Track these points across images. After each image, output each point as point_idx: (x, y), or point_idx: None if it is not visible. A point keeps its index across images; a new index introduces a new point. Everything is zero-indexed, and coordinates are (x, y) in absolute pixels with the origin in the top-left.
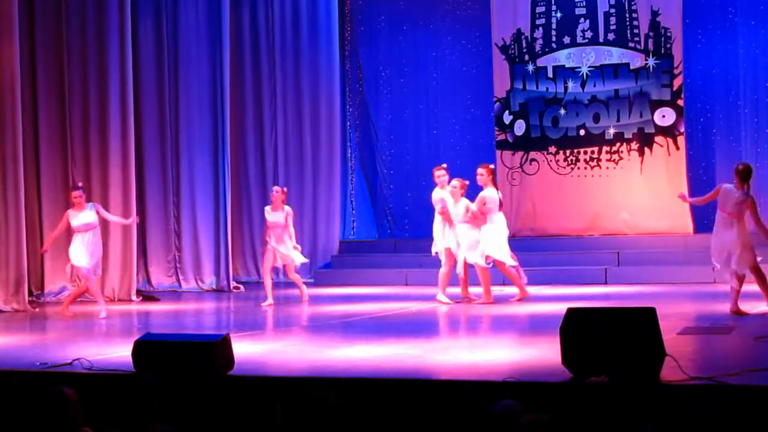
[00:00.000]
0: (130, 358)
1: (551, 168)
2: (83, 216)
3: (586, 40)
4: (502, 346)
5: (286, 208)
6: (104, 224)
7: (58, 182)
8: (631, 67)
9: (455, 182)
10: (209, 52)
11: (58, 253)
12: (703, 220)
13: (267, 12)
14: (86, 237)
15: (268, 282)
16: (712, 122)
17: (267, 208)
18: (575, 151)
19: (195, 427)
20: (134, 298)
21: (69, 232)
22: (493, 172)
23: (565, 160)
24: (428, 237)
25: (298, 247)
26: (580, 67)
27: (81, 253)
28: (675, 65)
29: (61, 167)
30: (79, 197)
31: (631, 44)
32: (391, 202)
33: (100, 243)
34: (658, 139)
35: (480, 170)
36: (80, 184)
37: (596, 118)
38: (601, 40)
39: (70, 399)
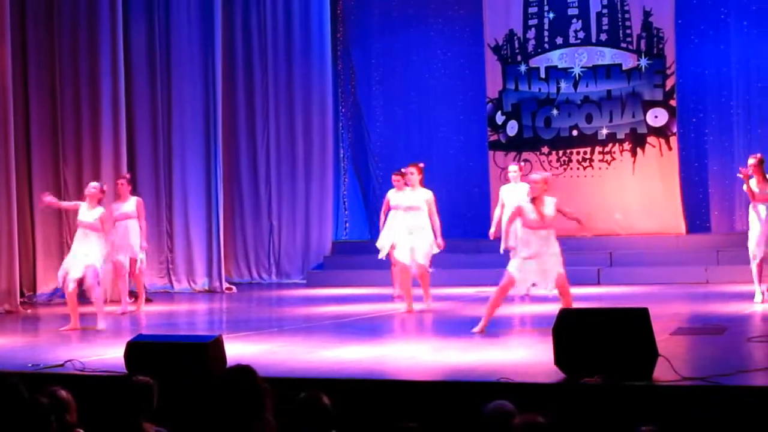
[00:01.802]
0: (122, 360)
1: (544, 168)
2: (125, 206)
3: (579, 41)
4: (494, 346)
5: (135, 198)
6: None
7: (50, 184)
8: (624, 68)
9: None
10: (201, 53)
11: (49, 253)
12: (696, 220)
13: (259, 14)
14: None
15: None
16: (705, 123)
17: (114, 202)
18: (568, 151)
19: (188, 428)
20: (126, 299)
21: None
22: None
23: (558, 160)
24: None
25: (144, 244)
26: (572, 68)
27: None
28: (667, 65)
29: (53, 169)
30: (122, 186)
31: (624, 45)
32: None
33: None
34: (651, 139)
35: (412, 169)
36: (126, 175)
37: (589, 119)
38: (593, 40)
39: (65, 400)
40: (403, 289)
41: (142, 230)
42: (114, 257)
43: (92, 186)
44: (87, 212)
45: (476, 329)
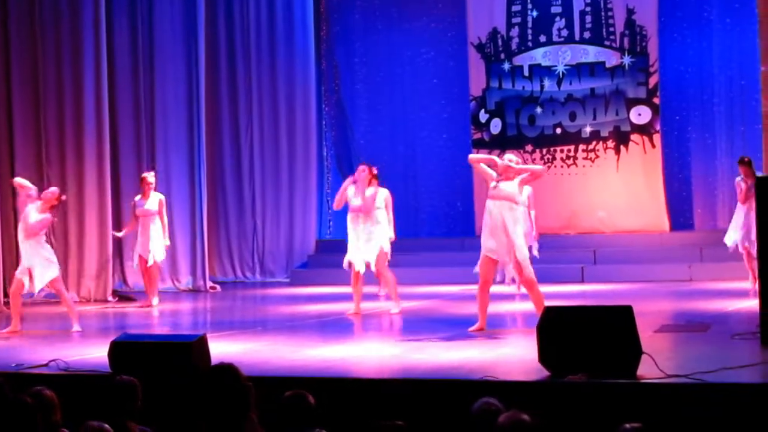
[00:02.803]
0: (106, 359)
1: None
2: (148, 203)
3: (562, 39)
4: (479, 344)
5: (159, 195)
6: (80, 223)
7: (33, 183)
8: (607, 66)
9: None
10: (184, 51)
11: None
12: (679, 217)
13: (242, 12)
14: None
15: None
16: (688, 120)
17: (138, 197)
18: (552, 149)
19: (173, 428)
20: (110, 298)
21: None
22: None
23: (542, 158)
24: (404, 236)
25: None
26: (556, 66)
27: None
28: (650, 63)
29: (36, 167)
30: (147, 184)
31: (607, 42)
32: None
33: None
34: (634, 137)
35: (363, 167)
36: (151, 171)
37: (572, 117)
38: (577, 38)
39: (51, 399)
40: (354, 290)
41: (164, 227)
42: (138, 252)
43: (50, 191)
44: (34, 214)
45: (473, 328)
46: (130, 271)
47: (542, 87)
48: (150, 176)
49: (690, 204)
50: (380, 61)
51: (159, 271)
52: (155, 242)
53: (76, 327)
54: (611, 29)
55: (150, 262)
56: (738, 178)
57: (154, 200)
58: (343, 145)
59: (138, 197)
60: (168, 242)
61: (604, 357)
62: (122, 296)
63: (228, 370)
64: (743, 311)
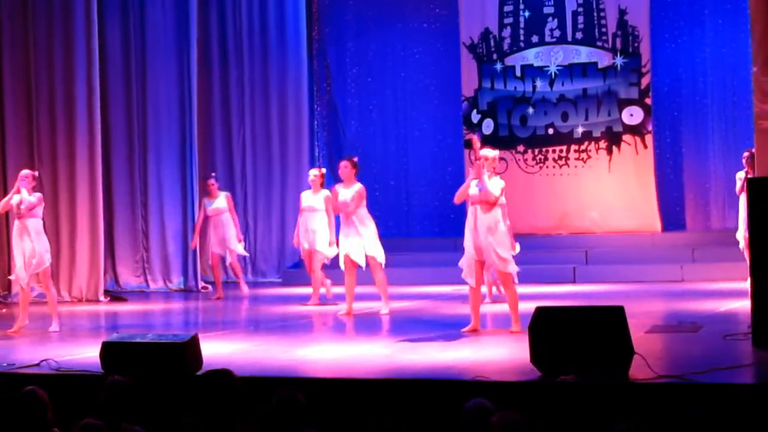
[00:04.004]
0: (98, 359)
1: (520, 167)
2: (217, 202)
3: (555, 39)
4: (471, 344)
5: (225, 193)
6: (72, 223)
7: None
8: (599, 66)
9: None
10: (176, 52)
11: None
12: (671, 218)
13: (234, 12)
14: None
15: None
16: (680, 121)
17: (205, 199)
18: (544, 150)
19: (165, 428)
20: (102, 298)
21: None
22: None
23: (534, 159)
24: (396, 236)
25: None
26: (548, 66)
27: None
28: (643, 64)
29: (28, 167)
30: (213, 185)
31: (599, 43)
32: None
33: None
34: (626, 137)
35: (345, 163)
36: (213, 174)
37: (564, 117)
38: (569, 39)
39: (43, 399)
40: (346, 291)
41: (235, 222)
42: (211, 249)
43: (23, 174)
44: (215, 201)
45: (467, 329)
46: (122, 272)
47: (534, 87)
48: (213, 181)
49: (682, 205)
50: (372, 61)
51: (239, 263)
52: (232, 239)
53: (55, 327)
54: (603, 30)
55: (230, 258)
56: (740, 173)
57: (222, 198)
58: (335, 145)
59: (205, 199)
60: (241, 236)
61: (596, 357)
62: (114, 296)
63: (223, 375)
64: (735, 312)
